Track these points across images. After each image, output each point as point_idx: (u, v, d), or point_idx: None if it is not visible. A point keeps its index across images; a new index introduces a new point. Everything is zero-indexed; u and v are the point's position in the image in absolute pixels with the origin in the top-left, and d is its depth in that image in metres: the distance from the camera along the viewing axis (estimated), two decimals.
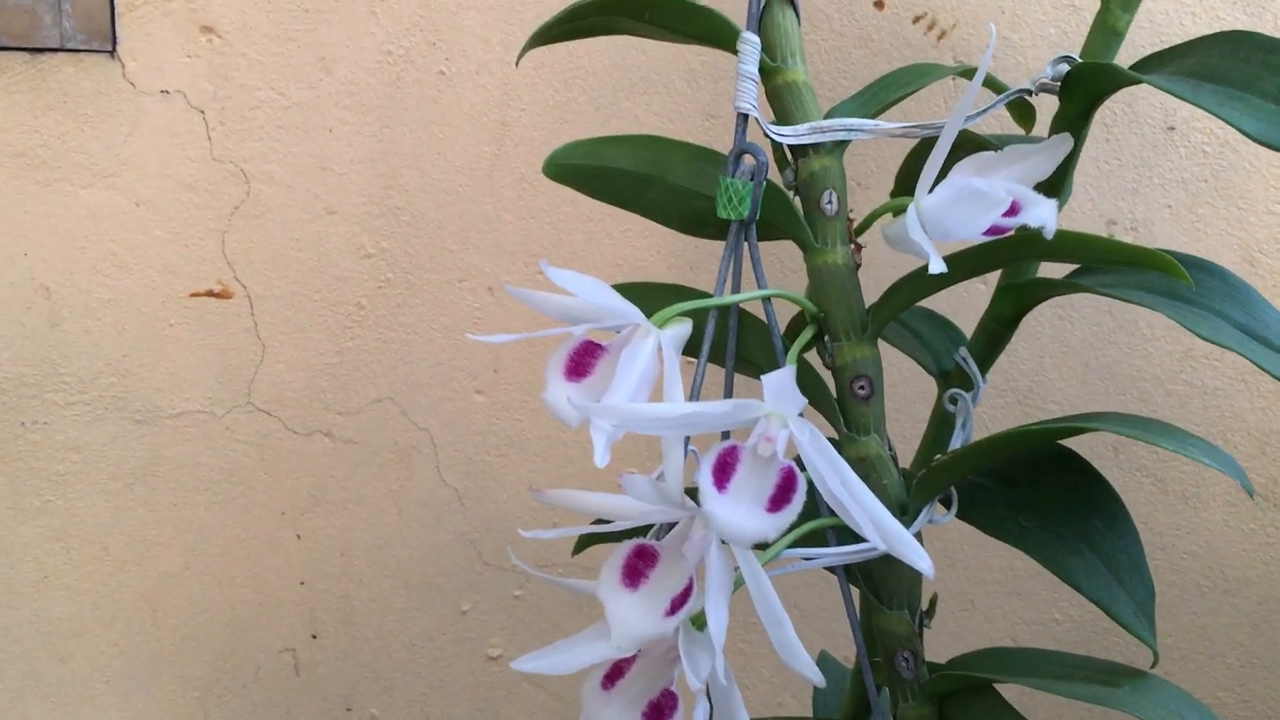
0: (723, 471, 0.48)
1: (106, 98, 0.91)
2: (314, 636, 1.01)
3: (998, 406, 0.95)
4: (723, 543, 0.49)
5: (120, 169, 0.92)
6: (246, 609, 1.00)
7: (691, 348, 0.56)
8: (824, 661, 0.78)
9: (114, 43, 0.91)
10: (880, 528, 0.48)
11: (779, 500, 0.47)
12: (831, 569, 0.58)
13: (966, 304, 0.90)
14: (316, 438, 0.97)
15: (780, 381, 0.48)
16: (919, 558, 0.48)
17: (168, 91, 0.91)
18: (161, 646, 1.00)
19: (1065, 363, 0.95)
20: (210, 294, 0.95)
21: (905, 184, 0.71)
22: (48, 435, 0.96)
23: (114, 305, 0.94)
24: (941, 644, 0.98)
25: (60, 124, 0.91)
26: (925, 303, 0.63)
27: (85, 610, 0.99)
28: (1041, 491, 0.58)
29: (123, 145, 0.92)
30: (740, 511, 0.47)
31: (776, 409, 0.48)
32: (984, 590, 0.99)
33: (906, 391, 0.94)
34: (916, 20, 0.90)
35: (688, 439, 0.56)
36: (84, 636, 1.00)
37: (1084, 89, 0.57)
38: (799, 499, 0.47)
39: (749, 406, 0.48)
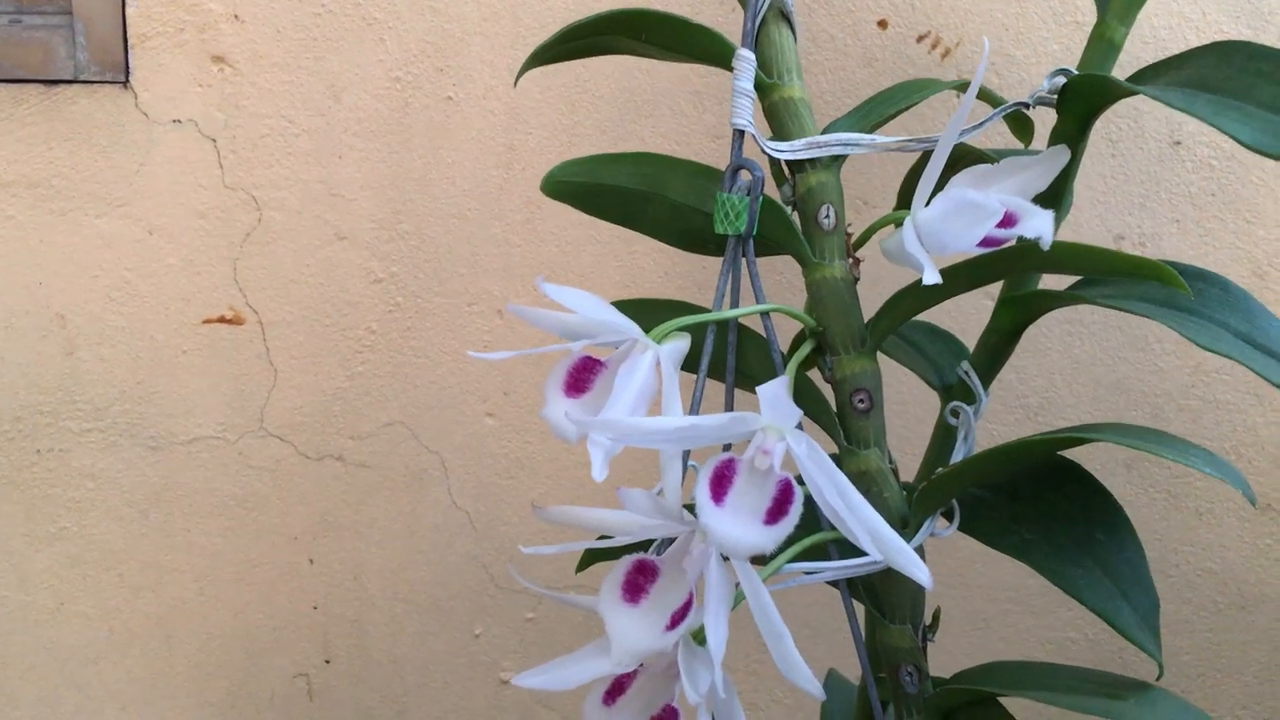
0: (720, 484, 0.48)
1: (120, 128, 0.92)
2: (327, 661, 1.01)
3: (1008, 423, 0.95)
4: (723, 557, 0.49)
5: (133, 198, 0.93)
6: (260, 634, 1.00)
7: (690, 363, 0.56)
8: (832, 679, 0.78)
9: (127, 74, 0.92)
10: (878, 539, 0.48)
11: (776, 513, 0.47)
12: (834, 583, 0.58)
13: (972, 319, 0.90)
14: (328, 462, 0.98)
15: (775, 393, 0.48)
16: (917, 569, 0.48)
17: (180, 121, 0.93)
18: (176, 673, 1.01)
19: (1075, 379, 0.94)
20: (223, 320, 0.95)
21: (908, 200, 0.71)
22: (63, 462, 0.97)
23: (128, 333, 0.95)
24: (955, 662, 0.97)
25: (75, 154, 0.92)
26: (928, 316, 0.63)
27: (100, 637, 1.00)
28: (1043, 503, 0.58)
29: (136, 174, 0.93)
30: (737, 524, 0.47)
31: (773, 422, 0.48)
32: (997, 609, 0.98)
33: (912, 407, 0.94)
34: (920, 39, 0.91)
35: (686, 454, 0.56)
36: (99, 663, 1.00)
37: (1080, 101, 0.58)
38: (796, 511, 0.47)
39: (746, 419, 0.49)
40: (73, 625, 1.00)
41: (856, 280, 0.58)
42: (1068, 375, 0.94)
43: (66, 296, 0.94)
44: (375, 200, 0.94)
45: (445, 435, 0.98)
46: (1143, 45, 0.88)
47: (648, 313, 0.57)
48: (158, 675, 1.01)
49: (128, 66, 0.92)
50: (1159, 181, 0.91)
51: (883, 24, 0.91)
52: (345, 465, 0.98)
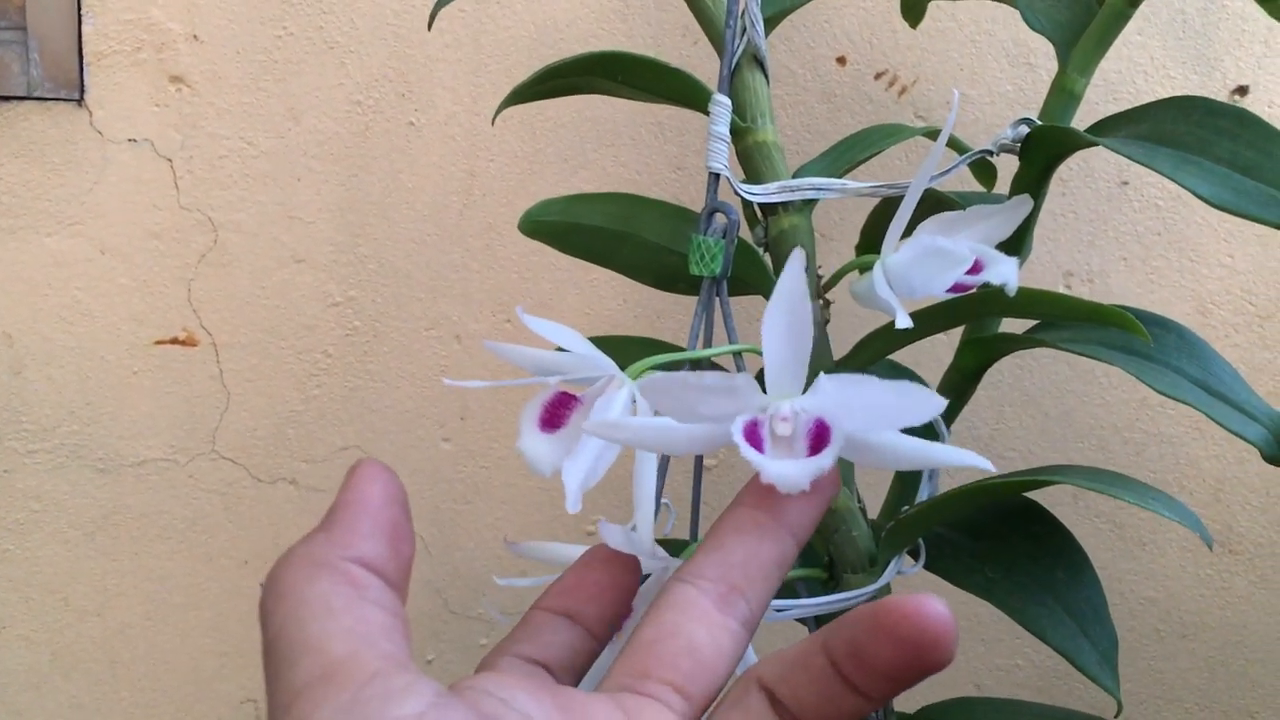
0: (753, 437, 0.43)
1: (73, 146, 0.91)
2: None
3: None
4: None
5: (86, 217, 0.92)
6: (208, 660, 0.99)
7: None
8: None
9: (82, 91, 0.91)
10: (919, 448, 0.43)
11: (817, 445, 0.42)
12: (802, 620, 0.58)
13: (930, 356, 0.91)
14: (281, 486, 0.97)
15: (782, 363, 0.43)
16: (974, 459, 0.43)
17: (135, 140, 0.91)
18: (120, 698, 0.99)
19: (1025, 411, 0.96)
20: (175, 342, 0.94)
21: (870, 238, 0.73)
22: (8, 483, 0.95)
23: (77, 353, 0.94)
24: (908, 691, 0.99)
25: (26, 171, 0.91)
26: (890, 355, 0.65)
27: (43, 662, 0.98)
28: (1006, 543, 0.59)
29: (89, 193, 0.92)
30: (785, 464, 0.43)
31: (777, 395, 0.45)
32: None
33: None
34: (878, 76, 0.92)
35: (660, 491, 0.56)
36: (41, 689, 0.98)
37: (1043, 150, 0.59)
38: (839, 437, 0.42)
39: (750, 399, 0.44)
40: (14, 649, 0.98)
41: (827, 321, 0.59)
42: (1017, 408, 0.96)
43: (14, 315, 0.93)
44: (334, 224, 0.93)
45: (401, 460, 0.97)
46: (1093, 88, 0.91)
47: (621, 349, 0.57)
48: (102, 700, 0.99)
49: (83, 84, 0.91)
50: (1107, 220, 0.93)
51: (841, 61, 0.92)
52: (299, 489, 0.97)
